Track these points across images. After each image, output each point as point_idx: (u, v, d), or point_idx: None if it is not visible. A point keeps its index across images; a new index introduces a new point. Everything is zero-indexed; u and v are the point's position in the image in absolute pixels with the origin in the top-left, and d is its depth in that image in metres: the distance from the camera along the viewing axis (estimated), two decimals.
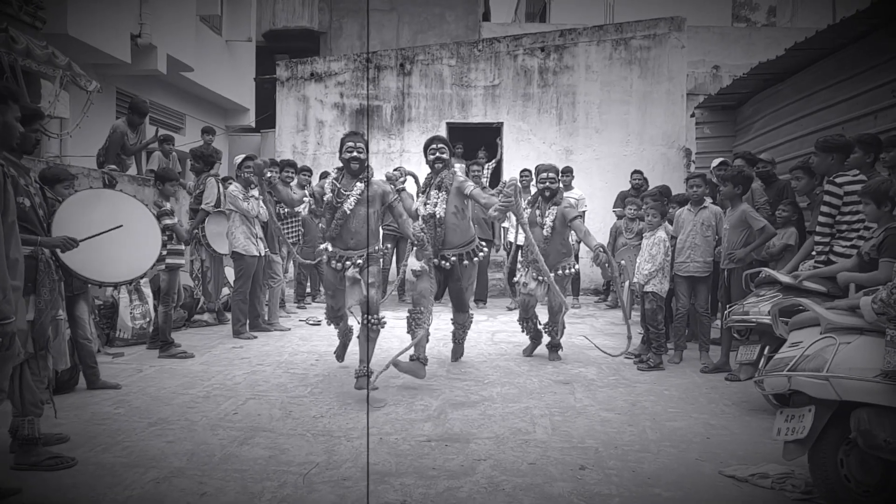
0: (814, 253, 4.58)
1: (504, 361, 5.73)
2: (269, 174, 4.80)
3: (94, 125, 8.74)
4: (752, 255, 5.33)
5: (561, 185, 5.63)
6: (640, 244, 6.10)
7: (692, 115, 10.85)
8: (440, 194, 4.96)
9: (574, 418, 4.18)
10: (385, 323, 4.74)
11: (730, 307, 4.81)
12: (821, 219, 4.43)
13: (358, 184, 4.64)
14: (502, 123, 11.25)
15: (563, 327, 5.90)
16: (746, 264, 5.29)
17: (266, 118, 13.99)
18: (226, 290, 7.75)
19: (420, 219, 5.01)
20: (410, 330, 4.97)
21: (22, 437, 3.32)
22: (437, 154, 5.00)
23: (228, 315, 7.40)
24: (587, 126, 11.16)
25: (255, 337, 6.70)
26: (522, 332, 5.97)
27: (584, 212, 8.36)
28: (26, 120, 3.40)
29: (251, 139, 14.47)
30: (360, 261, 4.60)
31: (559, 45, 11.22)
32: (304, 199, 4.95)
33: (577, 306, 5.73)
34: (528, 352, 5.96)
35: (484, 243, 5.31)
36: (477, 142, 11.46)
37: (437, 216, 4.93)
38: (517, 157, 10.86)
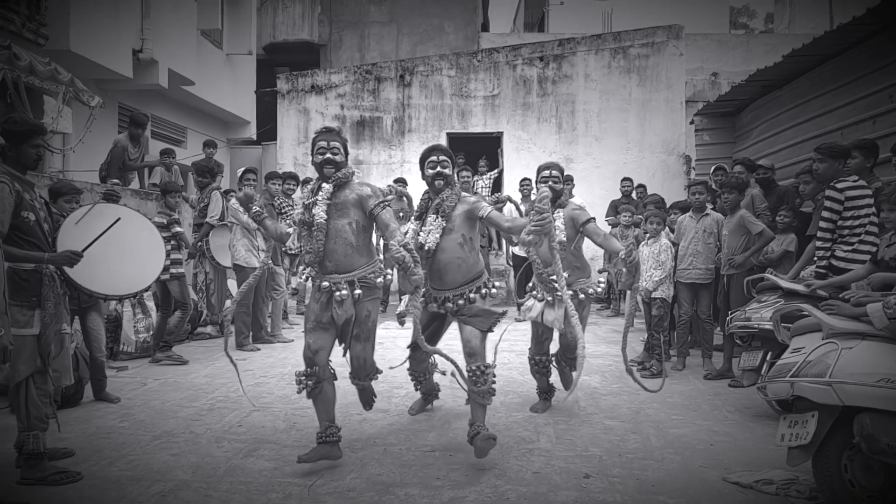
0: (815, 258, 4.59)
1: (506, 371, 5.73)
2: (256, 208, 4.12)
3: (97, 140, 8.81)
4: (752, 261, 5.34)
5: (564, 187, 4.51)
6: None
7: (691, 122, 10.90)
8: (437, 220, 3.83)
9: (578, 426, 4.18)
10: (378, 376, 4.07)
11: (731, 313, 4.82)
12: (822, 224, 4.43)
13: (324, 185, 3.59)
14: (502, 133, 11.29)
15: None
16: (746, 270, 5.30)
17: (267, 131, 14.06)
18: (228, 303, 7.77)
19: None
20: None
21: (27, 451, 3.33)
22: (439, 168, 3.86)
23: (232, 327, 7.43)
24: (587, 134, 11.21)
25: (259, 349, 6.72)
26: (531, 370, 4.62)
27: None
28: (28, 136, 3.43)
29: (253, 152, 14.54)
30: (346, 287, 3.57)
31: (558, 54, 11.28)
32: (289, 230, 4.29)
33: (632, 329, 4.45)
34: (540, 408, 4.55)
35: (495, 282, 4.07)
36: (477, 152, 11.50)
37: (427, 248, 3.79)
38: (517, 166, 10.90)
